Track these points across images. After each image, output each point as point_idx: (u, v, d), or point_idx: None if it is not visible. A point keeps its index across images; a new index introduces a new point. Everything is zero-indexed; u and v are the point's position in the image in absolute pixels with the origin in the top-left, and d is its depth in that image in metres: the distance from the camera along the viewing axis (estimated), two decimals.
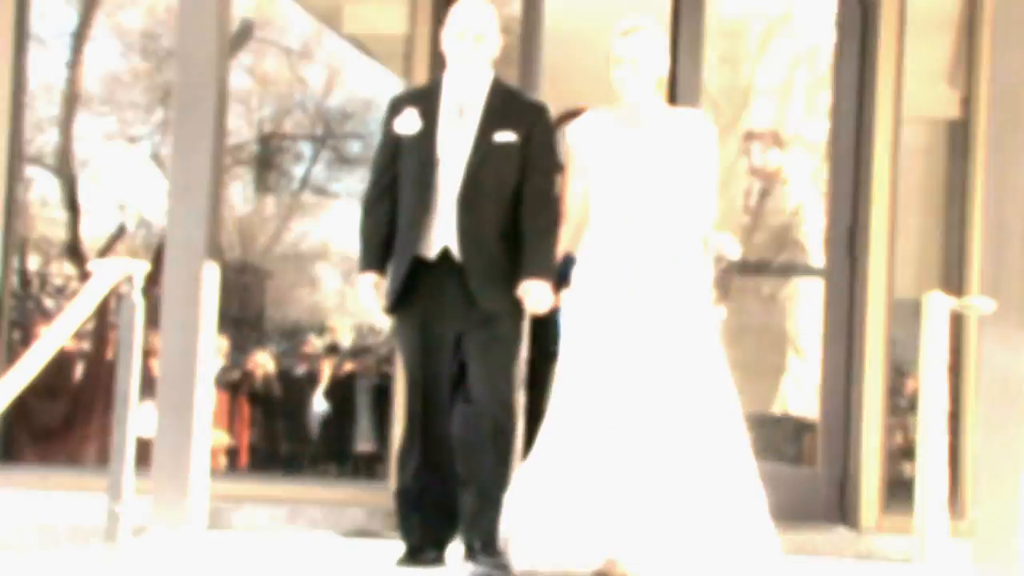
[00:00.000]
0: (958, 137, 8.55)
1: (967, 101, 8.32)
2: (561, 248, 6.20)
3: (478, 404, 6.14)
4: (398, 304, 6.21)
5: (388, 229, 6.27)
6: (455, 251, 6.14)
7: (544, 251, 6.14)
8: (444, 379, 6.26)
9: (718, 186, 6.17)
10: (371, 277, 6.28)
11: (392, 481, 7.91)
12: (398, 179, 6.24)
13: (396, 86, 9.04)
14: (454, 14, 6.22)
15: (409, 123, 6.20)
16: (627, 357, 5.83)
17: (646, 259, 5.94)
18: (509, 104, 6.25)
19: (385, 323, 9.24)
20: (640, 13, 6.12)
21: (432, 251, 6.16)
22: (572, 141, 6.17)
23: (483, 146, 6.15)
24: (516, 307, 6.20)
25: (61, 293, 9.63)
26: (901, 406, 8.46)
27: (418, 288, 6.17)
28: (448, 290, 6.16)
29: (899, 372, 8.35)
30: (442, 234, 6.15)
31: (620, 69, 6.03)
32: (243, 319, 9.67)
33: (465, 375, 6.21)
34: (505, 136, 6.15)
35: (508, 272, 6.17)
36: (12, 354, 8.60)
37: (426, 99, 6.29)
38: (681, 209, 6.01)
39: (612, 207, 6.02)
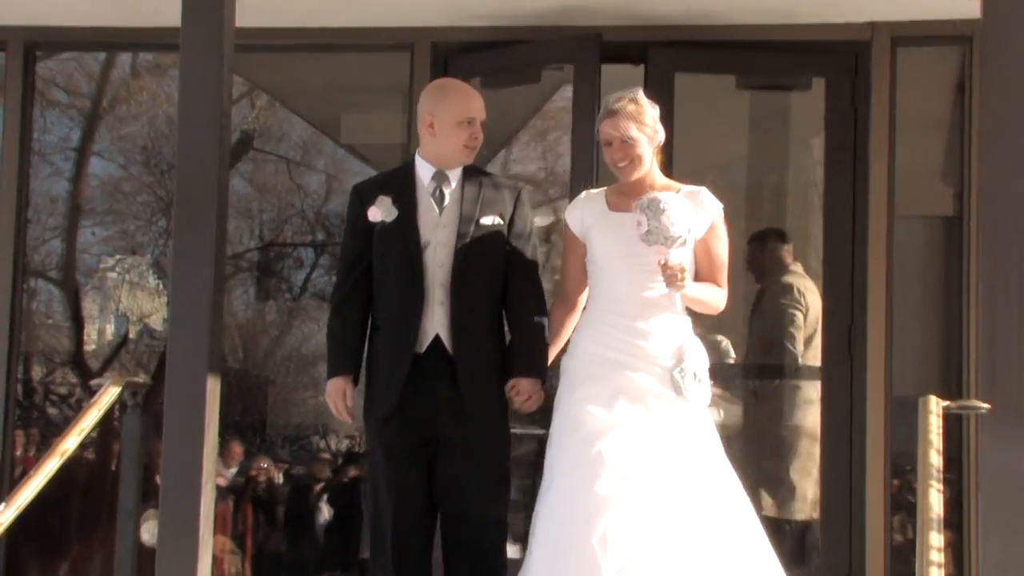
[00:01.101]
0: (953, 232, 8.60)
1: (960, 197, 8.40)
2: (555, 330, 6.06)
3: (473, 517, 5.86)
4: (392, 406, 5.89)
5: (362, 329, 6.03)
6: (447, 342, 5.89)
7: (537, 346, 5.96)
8: (423, 487, 5.94)
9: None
10: (342, 381, 5.96)
11: None
12: (371, 272, 5.99)
13: None
14: (457, 99, 6.04)
15: (384, 211, 5.94)
16: (626, 444, 5.63)
17: (642, 345, 5.76)
18: (488, 187, 6.07)
19: None
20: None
21: (423, 345, 5.89)
22: (568, 222, 6.03)
23: (469, 230, 5.94)
24: (506, 405, 5.98)
25: (64, 402, 9.66)
26: (910, 501, 8.42)
27: (405, 385, 5.89)
28: (437, 386, 5.89)
29: (904, 468, 8.33)
30: (433, 324, 5.90)
31: (609, 151, 5.85)
32: (246, 424, 9.69)
33: (446, 483, 5.93)
34: (489, 219, 5.98)
35: (499, 366, 5.98)
36: (12, 461, 8.72)
37: (398, 185, 6.03)
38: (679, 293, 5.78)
39: (608, 290, 5.87)
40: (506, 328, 6.08)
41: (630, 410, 5.65)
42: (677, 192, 5.77)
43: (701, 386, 5.69)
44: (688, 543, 5.47)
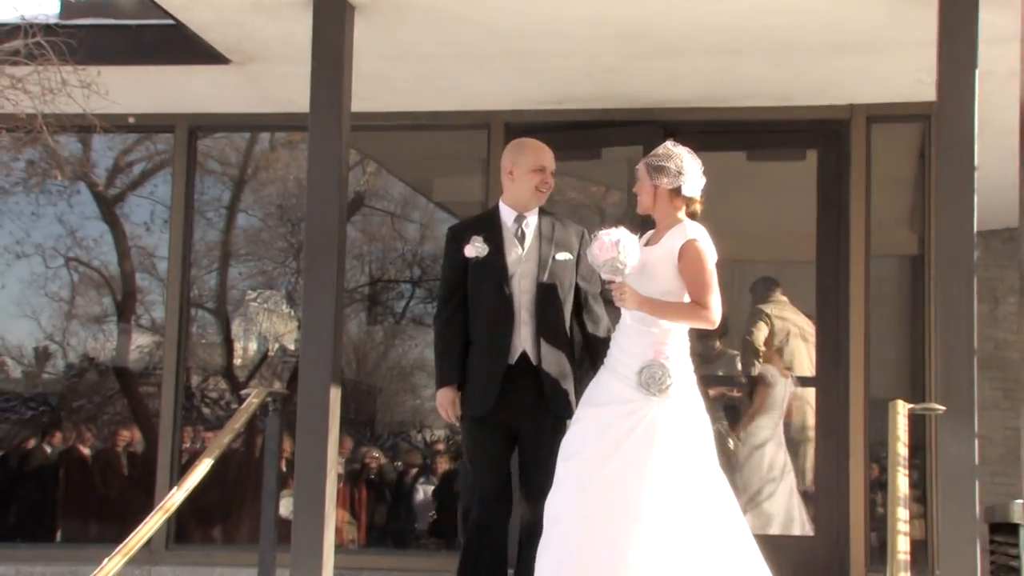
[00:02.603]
0: (917, 269, 8.64)
1: (922, 240, 8.44)
2: None
3: (537, 494, 5.73)
4: (489, 408, 5.82)
5: (462, 346, 5.92)
6: (531, 356, 5.86)
7: (604, 352, 5.77)
8: (506, 471, 5.96)
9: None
10: (452, 391, 5.89)
11: None
12: (467, 298, 5.92)
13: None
14: (531, 150, 6.00)
15: (477, 248, 5.87)
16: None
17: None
18: (559, 227, 6.01)
19: None
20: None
21: (513, 357, 5.86)
22: None
23: (547, 263, 5.90)
24: (572, 406, 5.87)
25: (217, 404, 9.76)
26: (877, 481, 8.47)
27: (499, 391, 5.84)
28: (525, 391, 5.85)
29: (880, 455, 8.34)
30: (521, 341, 5.85)
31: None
32: (359, 421, 9.77)
33: (528, 463, 5.89)
34: (563, 255, 5.94)
35: (570, 374, 5.94)
36: (181, 451, 8.89)
37: (487, 226, 5.97)
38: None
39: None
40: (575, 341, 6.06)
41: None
42: (673, 228, 5.58)
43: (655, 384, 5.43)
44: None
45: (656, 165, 5.59)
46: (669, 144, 5.69)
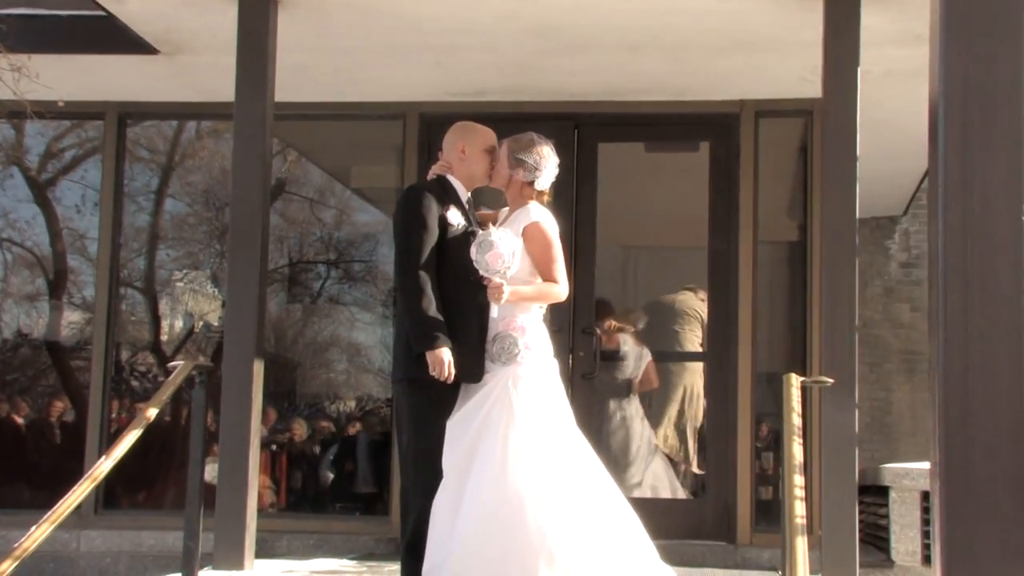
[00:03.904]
0: (797, 254, 8.57)
1: (803, 228, 8.37)
2: None
3: None
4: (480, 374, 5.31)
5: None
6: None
7: None
8: None
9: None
10: (449, 352, 5.20)
11: (394, 516, 7.85)
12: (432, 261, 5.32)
13: (387, 223, 9.06)
14: (485, 133, 5.59)
15: (455, 216, 5.36)
16: None
17: None
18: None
19: (383, 391, 9.28)
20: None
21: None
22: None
23: None
24: None
25: (145, 377, 9.51)
26: (758, 447, 8.40)
27: None
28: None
29: (757, 420, 8.30)
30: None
31: None
32: (278, 393, 9.54)
33: None
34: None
35: None
36: (110, 422, 8.60)
37: (453, 198, 5.47)
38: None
39: None
40: None
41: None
42: (518, 210, 5.46)
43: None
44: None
45: (517, 156, 5.45)
46: (534, 136, 5.50)
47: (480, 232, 5.30)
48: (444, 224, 5.37)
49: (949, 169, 3.56)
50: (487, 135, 5.65)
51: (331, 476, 9.39)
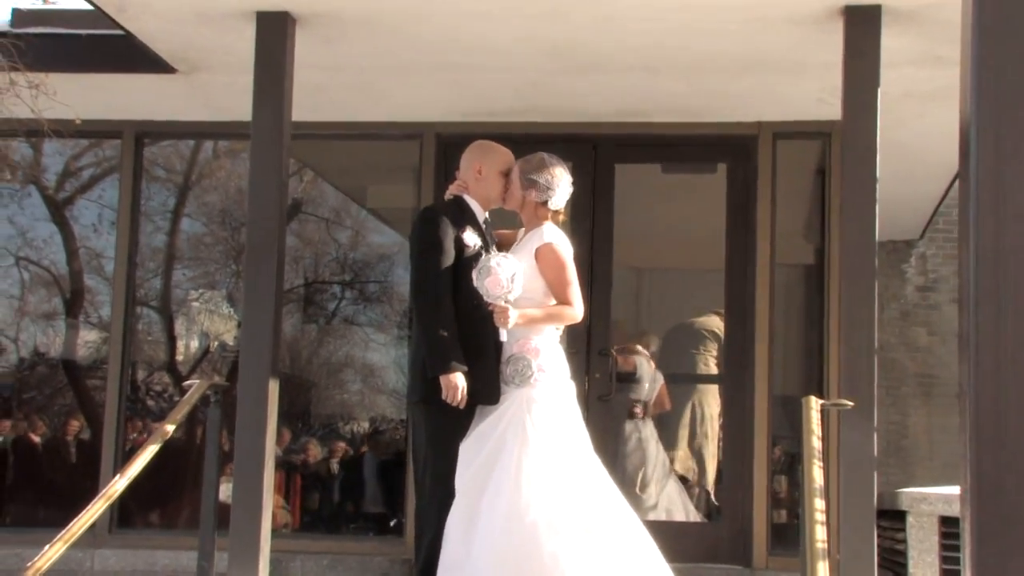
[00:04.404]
0: (814, 277, 8.48)
1: (820, 251, 8.28)
2: None
3: None
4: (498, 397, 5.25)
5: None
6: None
7: None
8: None
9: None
10: (463, 376, 5.14)
11: (409, 537, 7.77)
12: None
13: (403, 244, 9.00)
14: (504, 155, 5.53)
15: (471, 236, 5.31)
16: None
17: None
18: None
19: (397, 412, 9.20)
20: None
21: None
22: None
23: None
24: None
25: (161, 396, 9.45)
26: (772, 470, 8.29)
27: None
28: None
29: (774, 446, 8.20)
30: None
31: None
32: (292, 414, 9.48)
33: None
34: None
35: None
36: (125, 441, 8.52)
37: (469, 219, 5.41)
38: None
39: None
40: None
41: None
42: (532, 231, 5.42)
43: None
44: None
45: (529, 177, 5.41)
46: (545, 156, 5.48)
47: (482, 257, 5.22)
48: (460, 245, 5.31)
49: (981, 188, 3.46)
50: (505, 156, 5.57)
51: (345, 497, 9.31)
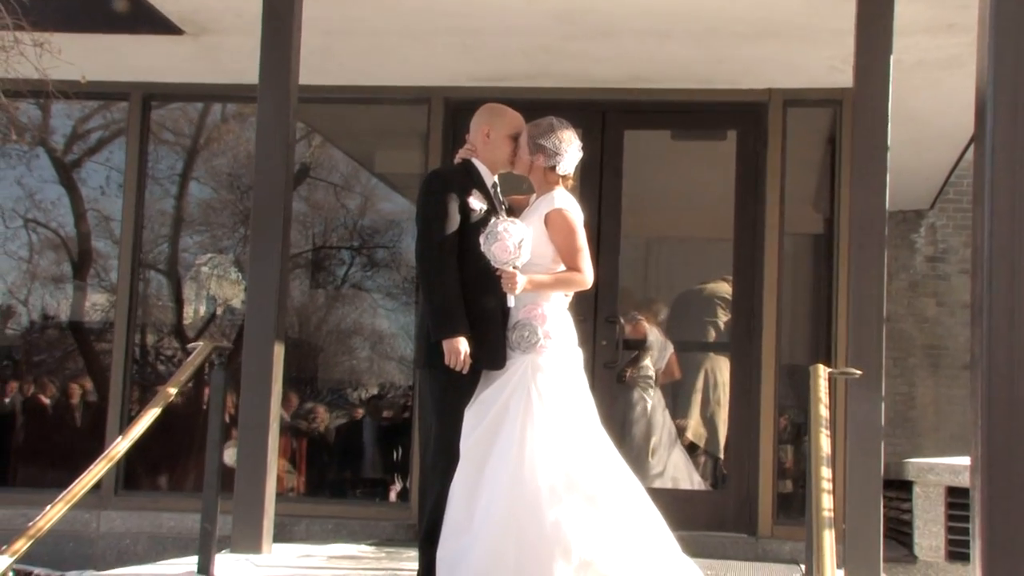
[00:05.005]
0: (822, 246, 8.39)
1: (829, 221, 8.19)
2: None
3: None
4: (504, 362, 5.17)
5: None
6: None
7: None
8: None
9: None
10: (466, 341, 5.08)
11: (414, 502, 7.73)
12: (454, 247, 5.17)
13: (411, 210, 8.92)
14: (513, 119, 5.39)
15: (477, 201, 5.19)
16: None
17: None
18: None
19: (404, 378, 9.15)
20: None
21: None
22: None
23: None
24: None
25: (170, 361, 9.40)
26: (780, 439, 8.22)
27: None
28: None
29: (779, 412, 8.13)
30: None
31: None
32: (301, 379, 9.43)
33: None
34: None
35: None
36: (131, 406, 8.48)
37: (475, 182, 5.30)
38: None
39: None
40: None
41: None
42: (543, 196, 5.31)
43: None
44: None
45: (537, 142, 5.29)
46: (554, 120, 5.35)
47: (490, 222, 5.14)
48: (465, 210, 5.21)
49: (997, 152, 3.38)
50: (513, 120, 5.45)
51: (351, 462, 9.28)
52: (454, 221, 5.17)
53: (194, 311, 9.65)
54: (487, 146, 5.40)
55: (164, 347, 9.48)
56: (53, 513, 4.98)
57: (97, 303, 9.41)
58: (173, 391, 5.60)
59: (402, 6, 6.91)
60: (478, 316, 5.16)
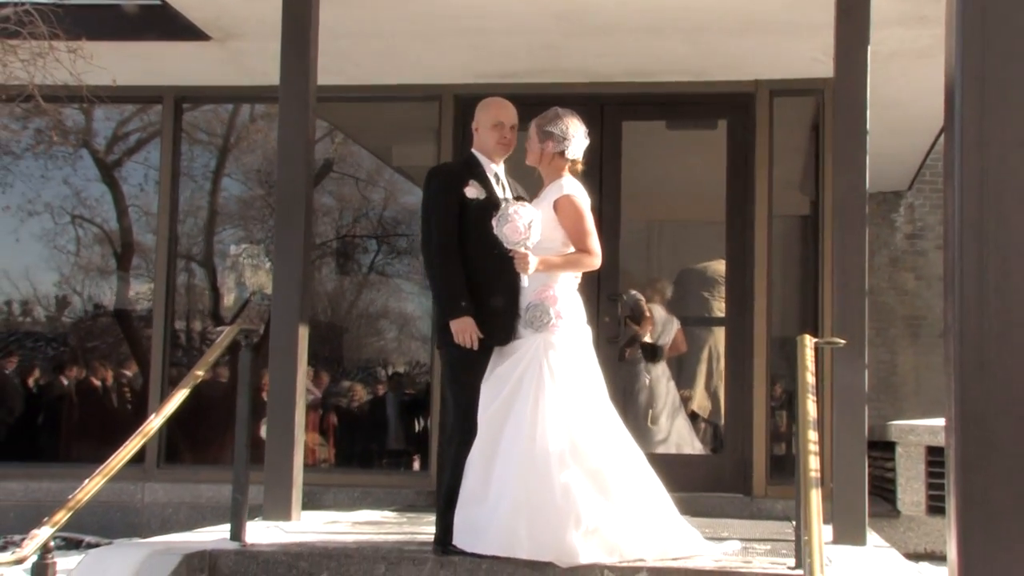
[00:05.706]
0: (809, 227, 8.28)
1: (814, 203, 8.07)
2: None
3: None
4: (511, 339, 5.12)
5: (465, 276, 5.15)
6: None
7: None
8: None
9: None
10: (473, 320, 5.08)
11: (433, 471, 7.66)
12: (458, 234, 5.17)
13: None
14: (491, 108, 5.34)
15: (474, 191, 5.18)
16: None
17: None
18: (513, 177, 5.48)
19: (427, 357, 9.07)
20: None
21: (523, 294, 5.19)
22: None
23: None
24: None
25: (207, 344, 9.36)
26: (772, 406, 8.12)
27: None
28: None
29: (771, 382, 8.02)
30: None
31: None
32: (331, 359, 9.37)
33: None
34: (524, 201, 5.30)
35: None
36: (169, 387, 8.43)
37: (474, 172, 5.27)
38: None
39: None
40: None
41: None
42: (552, 183, 5.21)
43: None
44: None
45: (545, 130, 5.21)
46: (559, 109, 5.28)
47: (500, 206, 5.09)
48: (463, 200, 5.20)
49: (965, 125, 3.26)
50: (494, 111, 5.40)
51: (377, 435, 9.22)
52: (451, 212, 5.18)
53: (228, 298, 9.60)
54: (478, 137, 5.42)
55: (203, 331, 9.44)
56: (92, 486, 4.90)
57: (140, 292, 9.36)
58: (201, 372, 5.50)
59: (413, 9, 6.82)
60: (483, 296, 5.15)
